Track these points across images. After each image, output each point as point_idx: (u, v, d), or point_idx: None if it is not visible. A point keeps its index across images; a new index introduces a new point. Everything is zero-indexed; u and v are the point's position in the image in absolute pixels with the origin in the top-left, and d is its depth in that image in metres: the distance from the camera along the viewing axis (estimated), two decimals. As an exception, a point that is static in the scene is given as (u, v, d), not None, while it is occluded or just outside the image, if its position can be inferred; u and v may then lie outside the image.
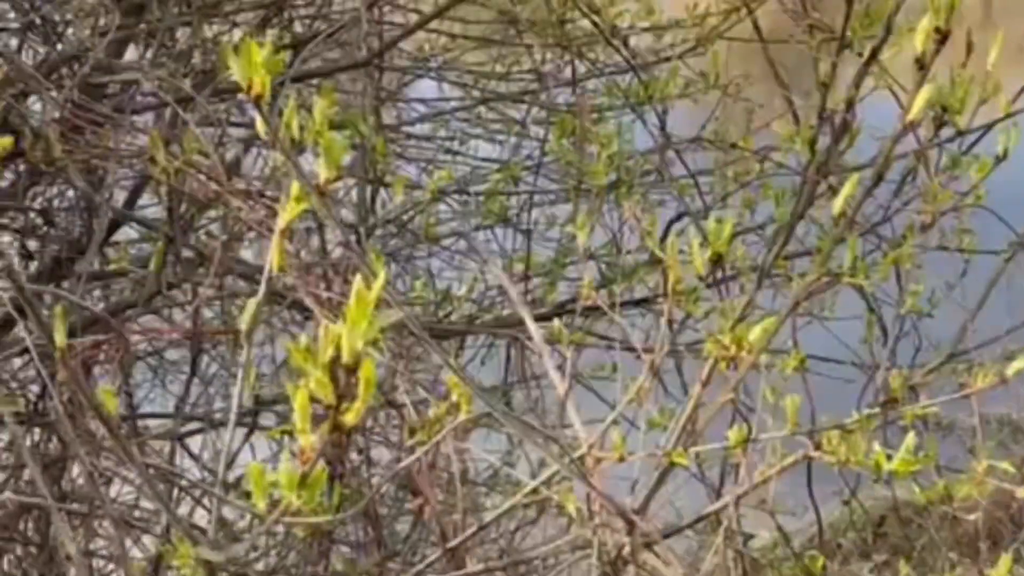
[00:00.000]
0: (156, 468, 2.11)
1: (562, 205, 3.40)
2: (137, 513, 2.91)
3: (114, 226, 2.98)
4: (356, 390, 1.07)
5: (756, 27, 2.60)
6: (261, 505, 1.17)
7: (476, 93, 3.54)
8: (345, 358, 1.03)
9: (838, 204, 1.34)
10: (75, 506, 2.15)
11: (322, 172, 1.38)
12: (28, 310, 1.16)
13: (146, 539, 2.70)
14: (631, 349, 2.05)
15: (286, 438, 3.21)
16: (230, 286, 2.85)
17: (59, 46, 2.72)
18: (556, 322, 1.68)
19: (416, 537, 2.88)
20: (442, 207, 3.30)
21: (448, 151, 3.54)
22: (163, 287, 2.59)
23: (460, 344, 3.39)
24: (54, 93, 2.24)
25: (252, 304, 1.44)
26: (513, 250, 3.27)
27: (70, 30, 2.77)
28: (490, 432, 3.28)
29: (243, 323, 1.43)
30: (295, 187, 1.40)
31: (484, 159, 3.51)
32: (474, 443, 3.20)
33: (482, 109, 3.55)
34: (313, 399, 1.08)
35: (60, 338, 1.21)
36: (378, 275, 1.11)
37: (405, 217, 3.06)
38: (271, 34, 3.00)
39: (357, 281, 1.07)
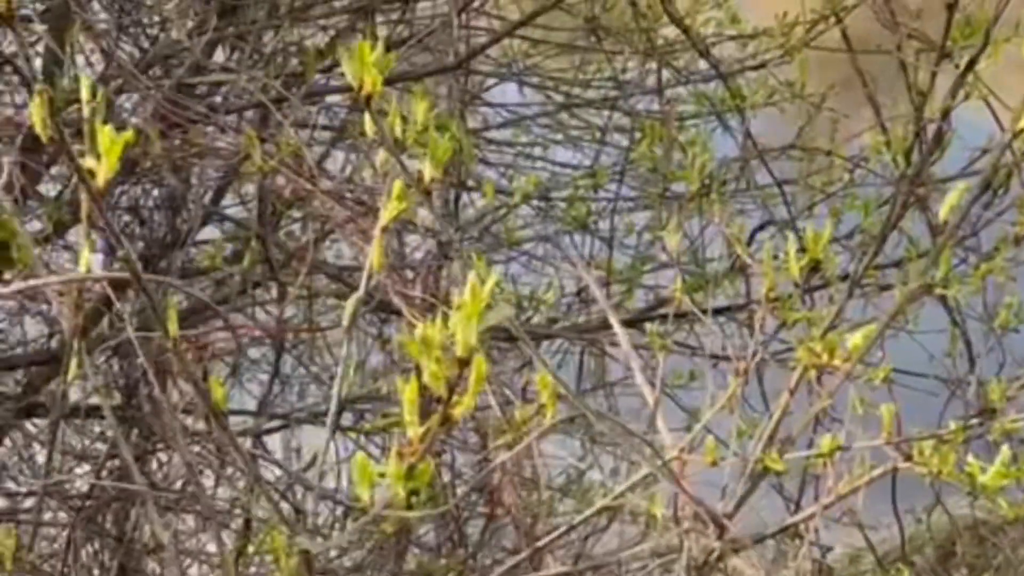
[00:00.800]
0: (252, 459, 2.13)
1: (639, 212, 3.40)
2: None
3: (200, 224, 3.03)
4: (467, 384, 1.09)
5: (845, 37, 2.59)
6: (366, 496, 1.19)
7: (558, 98, 3.55)
8: (459, 352, 1.05)
9: (944, 212, 1.34)
10: (165, 496, 2.19)
11: (426, 171, 1.40)
12: (146, 299, 1.18)
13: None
14: (715, 356, 2.05)
15: (362, 437, 3.25)
16: (312, 285, 2.88)
17: (149, 46, 2.77)
18: (650, 327, 1.69)
19: (491, 540, 2.89)
20: (520, 212, 3.31)
21: (528, 156, 3.55)
22: (248, 285, 2.63)
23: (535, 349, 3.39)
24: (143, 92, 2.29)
25: (352, 301, 1.46)
26: (590, 256, 3.27)
27: (159, 31, 2.82)
28: (566, 438, 3.29)
29: (344, 320, 1.45)
30: (397, 186, 1.41)
31: (563, 165, 3.52)
32: (547, 448, 3.20)
33: (564, 115, 3.56)
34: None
35: (173, 328, 1.24)
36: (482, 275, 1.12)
37: (486, 221, 3.08)
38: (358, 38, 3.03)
39: (471, 278, 1.08)
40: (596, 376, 3.35)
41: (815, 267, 1.51)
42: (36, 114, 1.10)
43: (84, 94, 1.34)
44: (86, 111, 1.36)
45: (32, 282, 1.59)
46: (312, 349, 3.43)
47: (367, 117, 1.36)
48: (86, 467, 2.93)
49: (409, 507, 1.21)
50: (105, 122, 1.31)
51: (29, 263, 1.78)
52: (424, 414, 1.16)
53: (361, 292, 1.46)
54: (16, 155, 1.68)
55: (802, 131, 3.11)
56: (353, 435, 3.11)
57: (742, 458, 1.58)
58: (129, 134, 1.15)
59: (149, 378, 2.13)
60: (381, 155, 1.47)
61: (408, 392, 1.12)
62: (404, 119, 1.51)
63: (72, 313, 1.59)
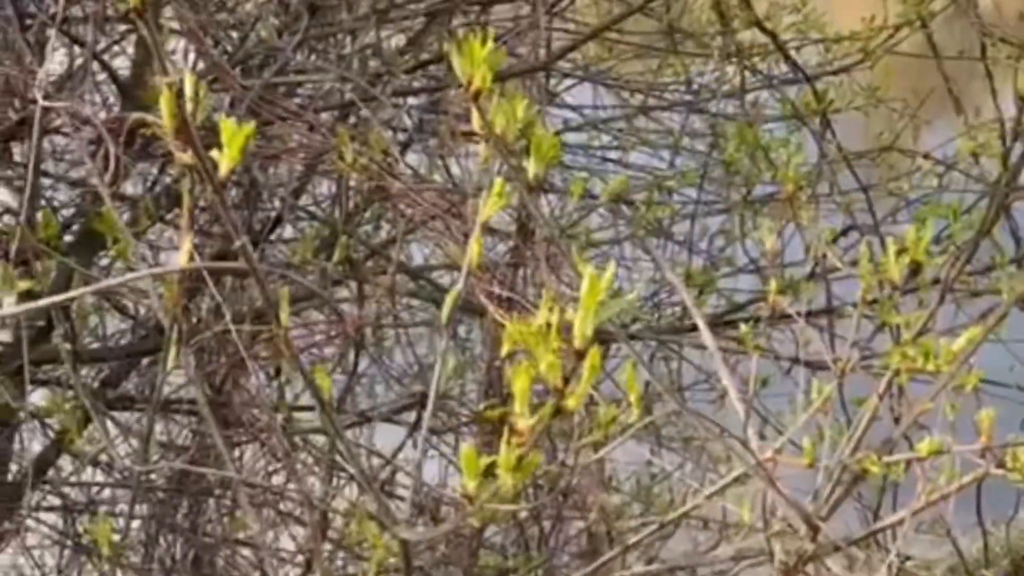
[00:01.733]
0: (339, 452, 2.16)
1: (712, 217, 3.39)
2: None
3: (276, 222, 3.06)
4: (582, 375, 1.09)
5: (931, 43, 2.57)
6: (472, 486, 1.20)
7: (635, 101, 3.56)
8: (576, 343, 1.05)
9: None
10: (254, 487, 2.22)
11: (531, 167, 1.41)
12: (260, 289, 1.20)
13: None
14: (809, 364, 2.04)
15: (435, 437, 3.27)
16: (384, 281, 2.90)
17: (231, 46, 2.81)
18: (744, 328, 1.68)
19: (564, 542, 2.90)
20: (593, 215, 3.31)
21: (603, 159, 3.56)
22: (327, 283, 2.66)
23: (604, 352, 3.40)
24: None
25: (451, 297, 1.47)
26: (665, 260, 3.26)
27: (242, 32, 2.86)
28: (636, 442, 3.28)
29: (443, 315, 1.46)
30: (497, 183, 1.42)
31: (639, 168, 3.51)
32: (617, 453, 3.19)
33: (639, 119, 3.56)
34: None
35: (284, 316, 1.25)
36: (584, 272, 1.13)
37: (563, 223, 3.09)
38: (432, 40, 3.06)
39: (588, 272, 1.09)
40: (671, 380, 3.34)
41: (915, 270, 1.50)
42: (165, 106, 1.13)
43: (187, 90, 1.36)
44: (188, 106, 1.38)
45: (136, 273, 1.62)
46: (382, 348, 3.46)
47: (474, 113, 1.37)
48: (162, 459, 2.97)
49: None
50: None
51: (127, 256, 1.81)
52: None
53: (460, 287, 1.47)
54: (120, 152, 1.71)
55: (897, 137, 3.08)
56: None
57: (838, 461, 1.57)
58: (250, 126, 1.17)
59: (242, 370, 2.16)
60: (483, 152, 1.48)
61: (519, 382, 1.13)
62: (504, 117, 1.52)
63: (171, 304, 1.62)
